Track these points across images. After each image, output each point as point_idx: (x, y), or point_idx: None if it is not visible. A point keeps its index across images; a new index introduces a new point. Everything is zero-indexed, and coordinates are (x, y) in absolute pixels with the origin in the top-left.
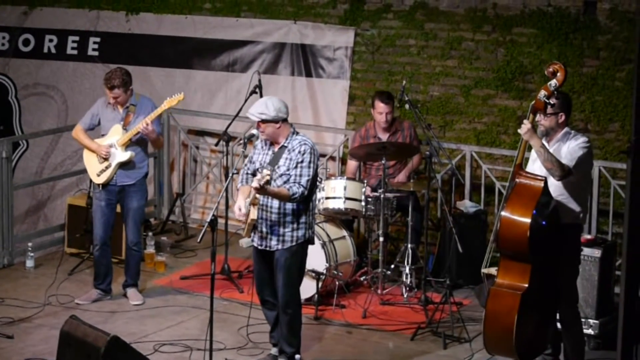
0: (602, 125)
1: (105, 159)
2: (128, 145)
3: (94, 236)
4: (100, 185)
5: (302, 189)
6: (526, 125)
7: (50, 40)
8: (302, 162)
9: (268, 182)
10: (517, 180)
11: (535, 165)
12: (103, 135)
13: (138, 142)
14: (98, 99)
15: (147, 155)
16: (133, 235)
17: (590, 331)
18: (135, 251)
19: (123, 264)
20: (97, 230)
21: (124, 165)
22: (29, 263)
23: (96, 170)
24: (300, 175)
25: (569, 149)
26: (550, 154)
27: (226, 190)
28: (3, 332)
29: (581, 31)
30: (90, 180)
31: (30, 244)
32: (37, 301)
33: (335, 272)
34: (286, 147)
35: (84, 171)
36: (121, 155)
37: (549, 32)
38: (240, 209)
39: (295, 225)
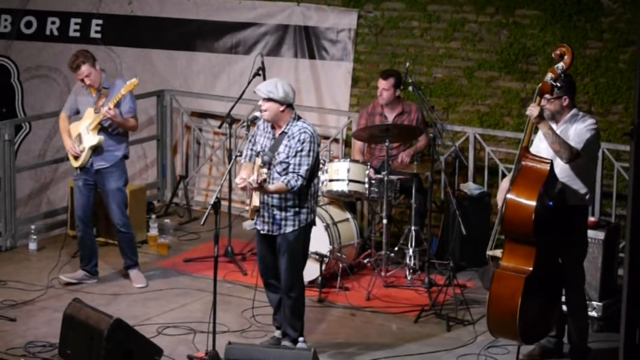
0: (606, 107)
1: (75, 158)
2: (100, 129)
3: (76, 218)
4: (79, 169)
5: (300, 180)
6: (535, 108)
7: (53, 23)
8: (301, 150)
9: (265, 181)
10: (523, 162)
11: (541, 145)
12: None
13: (112, 126)
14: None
15: (125, 138)
16: (117, 217)
17: (593, 313)
18: (124, 232)
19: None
20: (76, 211)
21: (96, 149)
22: (32, 246)
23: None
24: (300, 165)
25: (577, 131)
26: (558, 136)
27: (229, 172)
28: (6, 314)
29: (584, 13)
30: None
31: (33, 227)
32: (40, 284)
33: (339, 255)
34: (286, 133)
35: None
36: (91, 139)
37: (552, 13)
38: (241, 180)
39: (297, 210)
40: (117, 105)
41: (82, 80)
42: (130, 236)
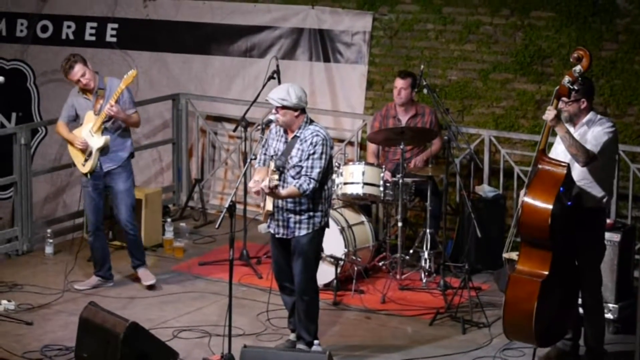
0: (621, 109)
1: (82, 151)
2: (103, 130)
3: (88, 223)
4: (88, 174)
5: (313, 183)
6: (552, 111)
7: (69, 27)
8: (313, 154)
9: (277, 186)
10: (539, 166)
11: (559, 148)
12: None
13: (115, 125)
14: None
15: (129, 136)
16: (124, 217)
17: (609, 315)
18: (130, 232)
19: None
20: (88, 217)
21: (103, 150)
22: (48, 249)
23: (81, 161)
24: (312, 168)
25: (594, 134)
26: (575, 139)
27: (244, 175)
28: (22, 318)
29: (600, 14)
30: None
31: (49, 231)
32: (57, 287)
33: (354, 258)
34: (298, 137)
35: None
36: (97, 141)
37: (567, 15)
38: (254, 182)
39: (311, 213)
40: (117, 102)
41: (78, 82)
42: (136, 236)
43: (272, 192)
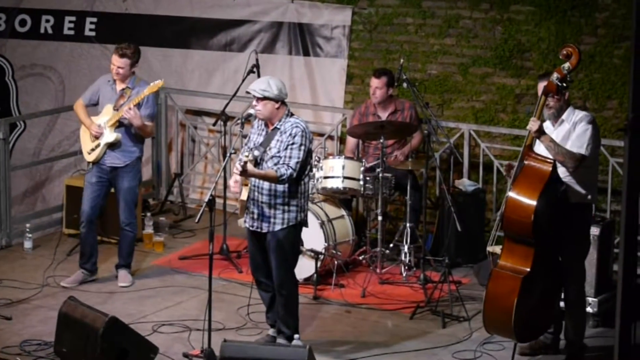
0: (600, 102)
1: (96, 138)
2: (117, 127)
3: (81, 212)
4: (91, 163)
5: (290, 170)
6: (535, 122)
7: (47, 21)
8: (292, 144)
9: (256, 164)
10: (525, 162)
11: (542, 147)
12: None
13: (130, 126)
14: (100, 76)
15: (142, 139)
16: (124, 215)
17: (589, 309)
18: (128, 231)
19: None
20: (84, 206)
21: (112, 146)
22: (27, 244)
23: (88, 148)
24: (290, 157)
25: (577, 134)
26: (560, 146)
27: (224, 170)
28: (1, 313)
29: (579, 8)
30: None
31: (28, 225)
32: (36, 282)
33: (334, 252)
34: (279, 129)
35: (81, 152)
36: (108, 136)
37: (547, 9)
38: (234, 182)
39: (286, 207)
40: (138, 106)
41: (112, 67)
42: (133, 236)
43: (245, 170)
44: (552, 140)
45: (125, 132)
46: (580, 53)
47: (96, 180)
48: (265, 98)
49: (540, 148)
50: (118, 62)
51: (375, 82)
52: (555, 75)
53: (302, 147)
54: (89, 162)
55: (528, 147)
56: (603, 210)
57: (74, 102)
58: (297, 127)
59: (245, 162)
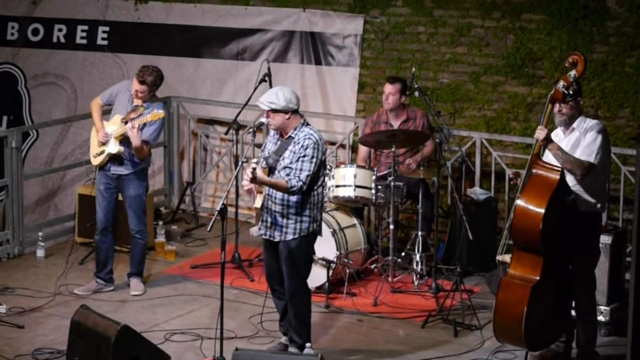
0: (612, 111)
1: (103, 144)
2: (122, 140)
3: (97, 221)
4: (97, 168)
5: (300, 183)
6: (543, 131)
7: (60, 30)
8: (304, 156)
9: (270, 172)
10: (533, 170)
11: (550, 155)
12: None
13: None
14: (123, 80)
15: (148, 150)
16: (133, 223)
17: (601, 318)
18: (138, 239)
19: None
20: (98, 215)
21: (115, 157)
22: (40, 253)
23: (94, 151)
24: (301, 170)
25: (587, 142)
26: (568, 154)
27: (236, 178)
28: (14, 321)
29: (591, 17)
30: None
31: (40, 234)
32: (48, 291)
33: (346, 260)
34: (293, 138)
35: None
36: (112, 147)
37: (559, 18)
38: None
39: (298, 218)
40: (142, 126)
41: (132, 89)
42: (143, 243)
43: (254, 177)
44: (559, 148)
45: (124, 146)
46: (586, 60)
47: (104, 187)
48: (273, 110)
49: (549, 156)
50: (137, 87)
51: (389, 88)
52: (561, 83)
53: (314, 160)
54: (94, 167)
55: (536, 155)
56: (615, 219)
57: (86, 111)
58: (309, 138)
59: (254, 169)
